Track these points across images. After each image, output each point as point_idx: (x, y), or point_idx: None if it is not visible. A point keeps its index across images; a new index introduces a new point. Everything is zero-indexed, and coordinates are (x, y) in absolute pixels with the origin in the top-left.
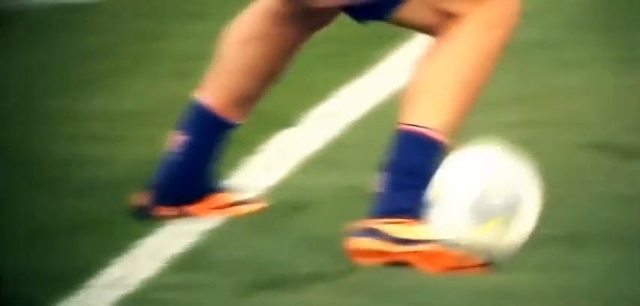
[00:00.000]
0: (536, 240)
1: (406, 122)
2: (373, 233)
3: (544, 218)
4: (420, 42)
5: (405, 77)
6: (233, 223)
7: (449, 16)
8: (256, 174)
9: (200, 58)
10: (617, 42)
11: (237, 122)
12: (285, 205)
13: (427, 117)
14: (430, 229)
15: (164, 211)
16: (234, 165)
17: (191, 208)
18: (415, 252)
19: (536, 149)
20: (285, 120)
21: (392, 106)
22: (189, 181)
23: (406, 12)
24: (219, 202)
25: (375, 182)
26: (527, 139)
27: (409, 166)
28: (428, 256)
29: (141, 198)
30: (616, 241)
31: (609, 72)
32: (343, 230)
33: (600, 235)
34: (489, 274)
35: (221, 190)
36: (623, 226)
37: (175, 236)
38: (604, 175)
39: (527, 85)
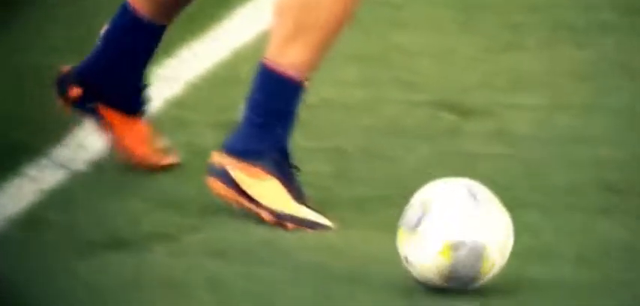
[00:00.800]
0: (374, 199)
1: (266, 57)
2: (224, 175)
3: (379, 179)
4: (261, 3)
5: (248, 36)
6: (77, 181)
7: None
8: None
9: None
10: (456, 3)
11: (160, 23)
12: (129, 165)
13: (284, 55)
14: (274, 195)
15: (90, 104)
16: (81, 125)
17: (111, 117)
18: (258, 212)
19: (375, 107)
20: None
21: (235, 65)
22: (108, 74)
23: None
24: (138, 134)
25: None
26: (367, 97)
27: (265, 104)
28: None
29: (75, 90)
30: None
31: (448, 33)
32: (186, 190)
33: None
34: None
35: (143, 116)
36: None
37: (16, 196)
38: (444, 134)
39: (367, 43)
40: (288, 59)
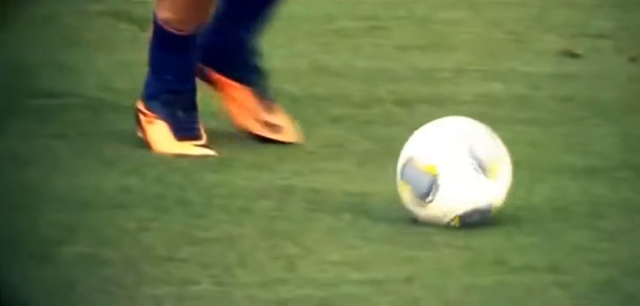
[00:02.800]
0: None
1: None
2: (136, 114)
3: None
4: None
5: None
6: None
7: None
8: None
9: None
10: None
11: None
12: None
13: (160, 10)
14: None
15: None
16: None
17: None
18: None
19: (54, 19)
20: None
21: None
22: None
23: None
24: (244, 102)
25: None
26: None
27: (153, 54)
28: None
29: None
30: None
31: None
32: None
33: None
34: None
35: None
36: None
37: None
38: (125, 43)
39: None
40: (162, 14)
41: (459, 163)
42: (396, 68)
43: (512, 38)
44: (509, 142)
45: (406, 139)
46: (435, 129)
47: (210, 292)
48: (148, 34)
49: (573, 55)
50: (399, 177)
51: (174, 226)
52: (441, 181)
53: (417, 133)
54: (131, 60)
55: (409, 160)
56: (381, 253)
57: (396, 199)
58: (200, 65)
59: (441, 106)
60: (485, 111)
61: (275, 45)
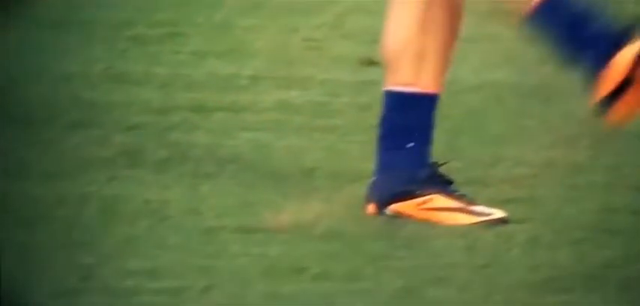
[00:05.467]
0: None
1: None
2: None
3: None
4: None
5: None
6: None
7: None
8: None
9: None
10: None
11: None
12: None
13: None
14: None
15: None
16: None
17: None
18: None
19: None
20: None
21: None
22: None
23: None
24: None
25: None
26: None
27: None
28: None
29: None
30: None
31: None
32: None
33: None
34: None
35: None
36: None
37: None
38: None
39: None
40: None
41: None
42: (194, 75)
43: (310, 45)
44: (307, 150)
45: (205, 146)
46: None
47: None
48: None
49: (372, 63)
50: None
51: None
52: None
53: None
54: None
55: None
56: (179, 261)
57: (195, 208)
58: None
59: (239, 113)
60: (284, 118)
61: (70, 51)
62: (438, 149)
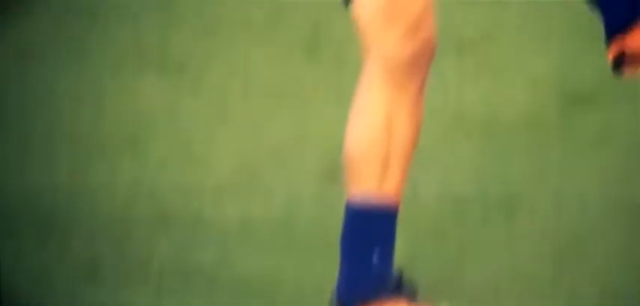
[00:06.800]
0: None
1: None
2: None
3: None
4: None
5: None
6: None
7: None
8: None
9: None
10: None
11: None
12: None
13: None
14: None
15: None
16: None
17: None
18: None
19: None
20: None
21: None
22: None
23: None
24: None
25: None
26: None
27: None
28: None
29: None
30: None
31: None
32: None
33: None
34: None
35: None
36: None
37: None
38: None
39: None
40: None
41: None
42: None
43: (274, 155)
44: (271, 264)
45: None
46: None
47: None
48: None
49: (335, 176)
50: None
51: None
52: None
53: None
54: None
55: None
56: None
57: None
58: None
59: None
60: (247, 231)
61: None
62: (400, 259)
